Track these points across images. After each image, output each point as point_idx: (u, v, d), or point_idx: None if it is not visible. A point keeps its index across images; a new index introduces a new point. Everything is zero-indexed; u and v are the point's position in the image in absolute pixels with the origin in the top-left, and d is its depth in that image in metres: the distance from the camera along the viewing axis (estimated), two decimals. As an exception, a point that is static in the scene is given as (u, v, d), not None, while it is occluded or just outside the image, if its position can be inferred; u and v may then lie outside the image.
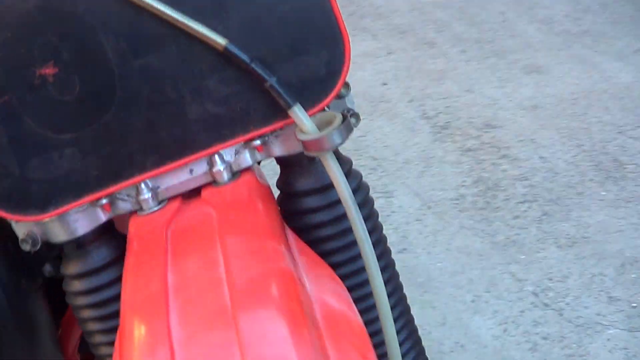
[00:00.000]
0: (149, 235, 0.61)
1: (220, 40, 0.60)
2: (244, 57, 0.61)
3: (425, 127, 2.62)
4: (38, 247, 0.63)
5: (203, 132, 0.63)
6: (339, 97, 0.68)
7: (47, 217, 0.61)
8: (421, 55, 3.13)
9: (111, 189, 0.62)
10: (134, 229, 0.62)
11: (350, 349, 0.50)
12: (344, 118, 0.62)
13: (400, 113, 2.74)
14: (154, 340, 0.45)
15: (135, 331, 0.48)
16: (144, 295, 0.51)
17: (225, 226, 0.59)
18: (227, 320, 0.45)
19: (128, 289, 0.54)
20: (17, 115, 0.59)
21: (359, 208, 0.68)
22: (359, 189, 0.72)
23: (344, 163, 0.70)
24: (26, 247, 0.63)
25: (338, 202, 0.68)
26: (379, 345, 0.70)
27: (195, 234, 0.60)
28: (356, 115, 0.69)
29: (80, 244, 0.64)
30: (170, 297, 0.50)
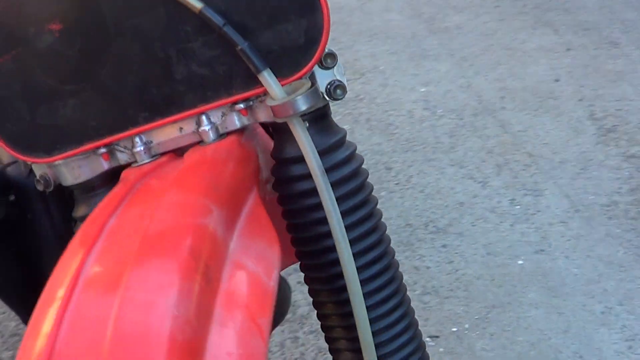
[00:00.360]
0: (124, 183, 0.65)
1: (196, 4, 0.62)
2: (217, 20, 0.63)
3: (590, 129, 2.49)
4: (51, 188, 0.70)
5: (189, 92, 0.66)
6: (325, 67, 0.69)
7: (52, 161, 0.68)
8: (601, 55, 2.96)
9: (108, 140, 0.67)
10: (122, 178, 0.67)
11: (241, 312, 0.49)
12: (312, 85, 0.64)
13: (566, 111, 2.62)
14: (65, 273, 0.49)
15: (60, 263, 0.51)
16: (83, 233, 0.55)
17: (177, 181, 0.62)
18: (125, 265, 0.48)
19: (80, 228, 0.58)
20: (29, 66, 0.65)
21: (346, 181, 0.70)
22: (349, 161, 0.71)
23: (335, 133, 0.71)
24: (40, 187, 0.70)
25: (332, 168, 0.69)
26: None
27: (153, 185, 0.63)
28: (341, 87, 0.69)
29: (86, 189, 0.70)
30: (100, 239, 0.53)
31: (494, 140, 2.54)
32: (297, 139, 0.65)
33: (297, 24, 0.64)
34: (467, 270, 1.96)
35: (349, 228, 0.69)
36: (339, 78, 0.69)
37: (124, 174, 0.68)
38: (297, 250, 0.75)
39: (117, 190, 0.63)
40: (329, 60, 0.68)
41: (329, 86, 0.69)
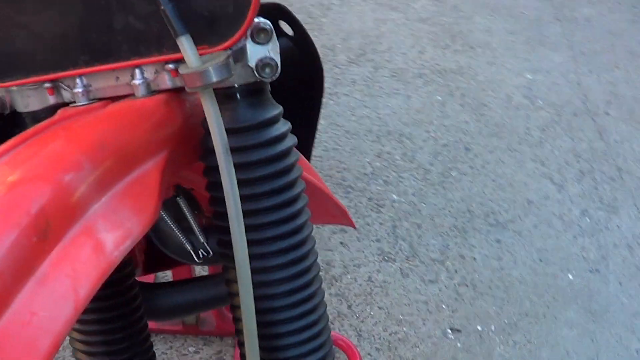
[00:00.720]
0: (49, 120, 0.65)
1: None
2: None
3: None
4: (7, 111, 0.73)
5: (125, 44, 0.66)
6: (257, 43, 0.65)
7: (3, 86, 0.70)
8: None
9: (52, 76, 0.69)
10: (57, 114, 0.68)
11: (65, 276, 0.48)
12: (227, 57, 0.60)
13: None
14: None
15: None
16: None
17: (70, 130, 0.61)
18: None
19: None
20: None
21: (265, 164, 0.67)
22: (278, 141, 0.68)
23: (270, 108, 0.68)
24: None
25: (253, 147, 0.67)
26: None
27: (63, 129, 0.63)
28: (270, 66, 0.65)
29: (36, 119, 0.71)
30: None
31: (585, 144, 2.40)
32: (204, 110, 0.62)
33: None
34: (512, 271, 1.88)
35: (252, 213, 0.67)
36: (271, 56, 0.66)
37: (60, 111, 0.69)
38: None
39: (35, 127, 0.63)
40: (262, 36, 0.65)
41: (259, 62, 0.66)
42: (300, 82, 1.06)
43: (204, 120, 0.66)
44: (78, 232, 0.52)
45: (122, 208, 0.56)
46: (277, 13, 0.98)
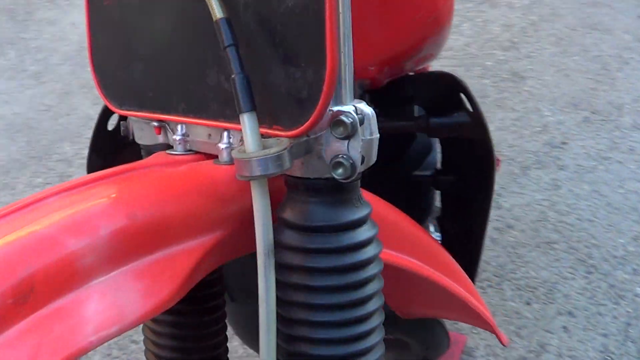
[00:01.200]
0: (135, 164, 0.63)
1: (217, 13, 0.55)
2: (226, 37, 0.55)
3: None
4: (130, 138, 0.74)
5: (215, 102, 0.61)
6: (335, 136, 0.56)
7: (120, 114, 0.71)
8: None
9: (158, 116, 0.67)
10: (150, 157, 0.67)
11: (27, 348, 0.45)
12: (284, 148, 0.53)
13: None
14: None
15: None
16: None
17: (122, 186, 0.58)
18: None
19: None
20: (125, 16, 0.67)
21: (342, 272, 0.59)
22: (353, 250, 0.59)
23: (350, 210, 0.59)
24: (122, 132, 0.75)
25: (321, 251, 0.59)
26: None
27: (124, 180, 0.60)
28: (344, 167, 0.56)
29: (148, 153, 0.71)
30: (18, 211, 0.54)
31: None
32: (253, 200, 0.56)
33: (304, 73, 0.55)
34: None
35: (305, 324, 0.59)
36: (348, 154, 0.57)
37: (156, 154, 0.68)
38: None
39: (116, 168, 0.62)
40: (340, 129, 0.56)
41: (333, 158, 0.57)
42: (472, 166, 0.97)
43: (279, 209, 0.60)
44: (65, 304, 0.48)
45: (128, 289, 0.51)
46: (453, 85, 0.92)
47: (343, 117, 0.56)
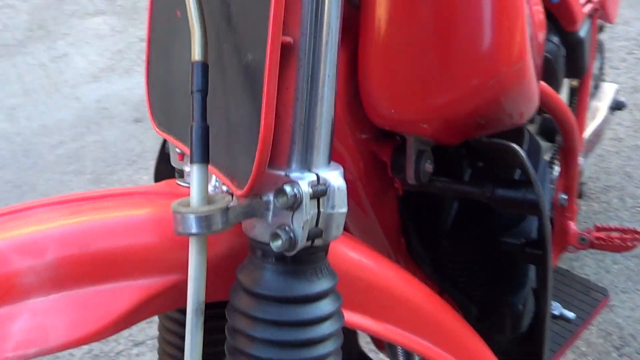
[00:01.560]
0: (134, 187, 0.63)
1: (197, 55, 0.52)
2: (197, 81, 0.52)
3: None
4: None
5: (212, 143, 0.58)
6: (283, 207, 0.51)
7: (157, 132, 0.68)
8: None
9: (177, 142, 0.65)
10: (160, 183, 0.68)
11: None
12: (219, 208, 0.49)
13: None
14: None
15: None
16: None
17: (103, 210, 0.58)
18: None
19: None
20: (171, 43, 0.65)
21: (291, 347, 0.54)
22: (304, 325, 0.54)
23: (308, 282, 0.55)
24: (166, 148, 0.78)
25: (270, 323, 0.55)
26: None
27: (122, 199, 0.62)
28: (280, 239, 0.52)
29: (181, 175, 0.70)
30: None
31: None
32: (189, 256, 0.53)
33: (252, 131, 0.52)
34: None
35: None
36: (288, 227, 0.52)
37: (167, 181, 0.70)
38: None
39: (122, 188, 0.64)
40: (284, 199, 0.52)
41: (273, 229, 0.53)
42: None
43: (238, 268, 0.57)
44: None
45: (61, 314, 0.51)
46: (510, 157, 0.85)
47: (286, 187, 0.52)
